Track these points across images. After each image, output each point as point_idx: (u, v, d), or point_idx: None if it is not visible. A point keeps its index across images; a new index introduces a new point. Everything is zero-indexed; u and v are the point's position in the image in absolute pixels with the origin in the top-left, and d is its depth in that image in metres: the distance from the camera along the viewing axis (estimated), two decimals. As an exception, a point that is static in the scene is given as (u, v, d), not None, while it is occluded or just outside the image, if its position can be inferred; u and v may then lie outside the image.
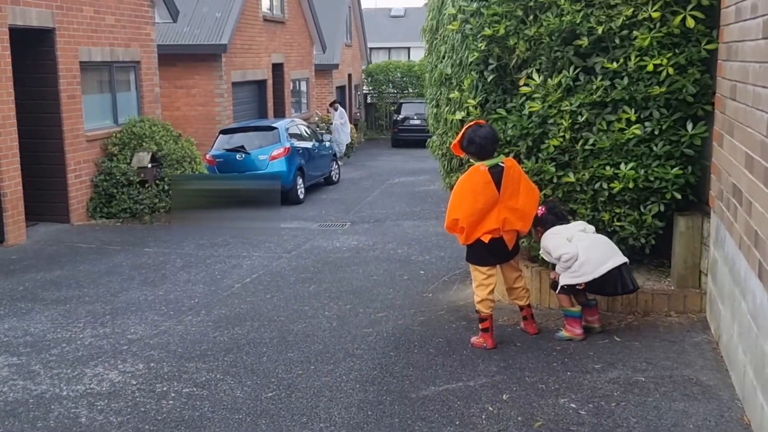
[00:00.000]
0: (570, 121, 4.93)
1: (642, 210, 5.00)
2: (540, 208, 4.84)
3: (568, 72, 4.94)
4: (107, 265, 8.46)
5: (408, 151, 22.46)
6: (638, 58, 4.73)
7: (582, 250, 4.65)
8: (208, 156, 13.47)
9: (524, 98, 5.16)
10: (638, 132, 4.78)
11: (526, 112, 5.11)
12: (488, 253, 4.74)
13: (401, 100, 26.01)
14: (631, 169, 4.81)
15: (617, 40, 4.80)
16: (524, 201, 4.71)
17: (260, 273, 8.02)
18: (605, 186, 4.95)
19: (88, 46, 10.92)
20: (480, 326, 4.89)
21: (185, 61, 15.67)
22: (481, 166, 4.64)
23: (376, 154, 22.76)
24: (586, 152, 4.97)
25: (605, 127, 4.86)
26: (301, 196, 13.60)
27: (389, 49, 38.33)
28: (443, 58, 5.90)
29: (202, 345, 5.56)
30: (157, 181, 11.31)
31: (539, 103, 5.00)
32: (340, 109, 20.24)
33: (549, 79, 4.99)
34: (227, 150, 13.44)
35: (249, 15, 17.13)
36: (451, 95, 5.66)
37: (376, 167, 19.15)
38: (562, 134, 4.97)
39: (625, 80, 4.79)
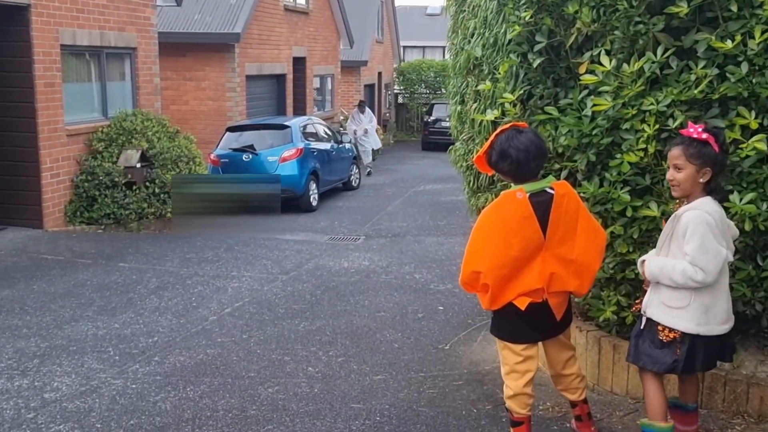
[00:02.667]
0: (656, 126, 3.34)
1: (761, 263, 3.39)
2: (699, 131, 2.91)
3: (655, 55, 3.35)
4: (67, 284, 7.10)
5: (438, 155, 20.89)
6: (766, 35, 3.14)
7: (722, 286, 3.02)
8: (212, 156, 12.11)
9: (586, 92, 3.59)
10: (761, 147, 3.16)
11: (588, 111, 3.53)
12: (525, 324, 3.17)
13: (433, 101, 24.49)
14: (748, 201, 3.20)
15: (733, 7, 3.21)
16: (583, 247, 3.13)
17: (245, 301, 6.61)
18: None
19: (73, 28, 9.59)
20: (511, 431, 3.31)
21: (196, 50, 14.35)
22: (519, 193, 3.10)
23: (404, 157, 21.27)
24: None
25: (709, 138, 3.24)
26: (314, 204, 12.18)
27: (423, 48, 36.78)
28: (472, 36, 4.36)
29: (132, 417, 4.11)
30: (147, 183, 9.94)
31: (609, 100, 3.42)
32: (369, 111, 18.16)
33: (625, 65, 3.40)
34: (233, 149, 12.06)
35: (268, 3, 15.74)
36: (480, 87, 4.11)
37: (402, 172, 17.67)
38: (642, 146, 3.37)
39: (744, 68, 3.18)
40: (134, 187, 9.81)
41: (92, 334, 5.67)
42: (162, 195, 9.95)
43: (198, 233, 9.58)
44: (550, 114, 3.67)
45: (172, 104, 14.32)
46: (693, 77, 3.29)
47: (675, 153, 2.97)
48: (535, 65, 3.74)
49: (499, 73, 3.95)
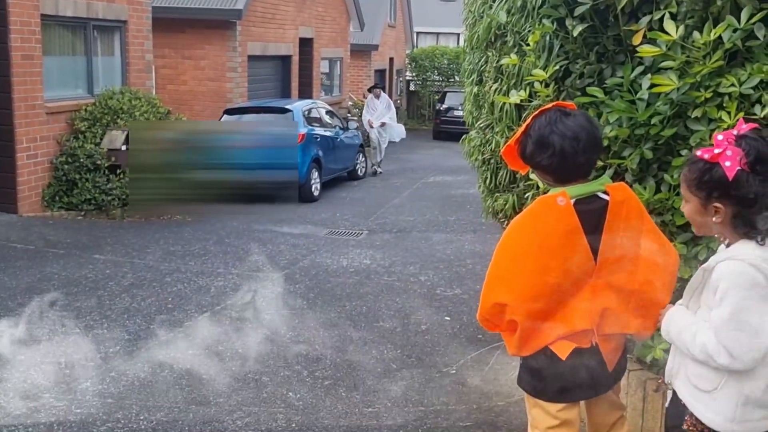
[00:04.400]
0: (738, 114, 2.54)
1: None
2: (720, 145, 1.88)
3: (737, 21, 2.54)
4: (32, 279, 6.38)
5: (450, 145, 20.08)
6: None
7: None
8: (207, 139, 11.35)
9: (641, 69, 2.79)
10: None
11: (644, 94, 2.73)
12: (566, 377, 2.33)
13: (446, 89, 23.65)
14: None
15: None
16: (648, 274, 2.26)
17: (227, 303, 5.89)
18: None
19: (55, -4, 8.84)
20: None
21: (195, 27, 13.55)
22: (560, 198, 2.25)
23: (415, 146, 20.46)
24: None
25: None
26: (316, 193, 11.43)
27: (437, 34, 35.81)
28: (494, 0, 3.55)
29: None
30: (133, 167, 9.18)
31: (675, 79, 2.62)
32: (385, 96, 15.67)
33: (697, 33, 2.60)
34: (231, 133, 11.30)
35: (274, -21, 14.93)
36: (503, 62, 3.31)
37: (411, 161, 16.88)
38: (718, 139, 2.58)
39: None
40: (118, 171, 9.06)
41: (46, 341, 4.94)
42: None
43: (191, 223, 8.84)
44: (594, 96, 2.86)
45: (170, 84, 13.56)
46: (789, 50, 2.48)
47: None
48: (575, 34, 2.92)
49: (528, 45, 3.15)
